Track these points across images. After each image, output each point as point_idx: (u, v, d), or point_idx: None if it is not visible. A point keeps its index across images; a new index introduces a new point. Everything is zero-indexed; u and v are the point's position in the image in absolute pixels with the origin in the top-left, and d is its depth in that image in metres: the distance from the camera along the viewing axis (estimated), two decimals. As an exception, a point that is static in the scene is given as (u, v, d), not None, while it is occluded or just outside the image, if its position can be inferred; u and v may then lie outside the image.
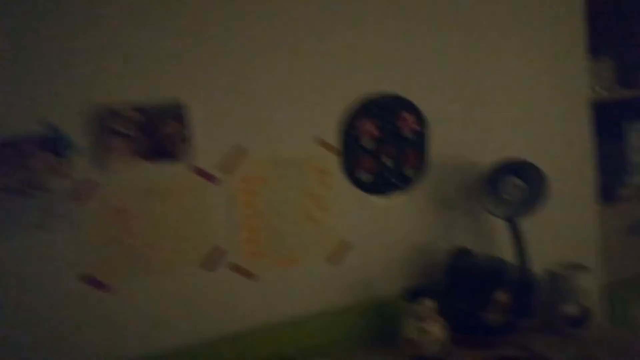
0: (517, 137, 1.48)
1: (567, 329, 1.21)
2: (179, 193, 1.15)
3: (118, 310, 1.11)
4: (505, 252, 1.40)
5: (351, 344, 1.27)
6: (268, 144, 1.22)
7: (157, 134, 1.12)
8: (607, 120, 1.66)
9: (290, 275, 1.25)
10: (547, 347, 1.13)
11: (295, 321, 1.24)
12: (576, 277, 1.22)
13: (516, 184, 1.31)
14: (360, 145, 1.30)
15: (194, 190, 1.16)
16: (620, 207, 1.67)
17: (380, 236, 1.33)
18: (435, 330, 1.17)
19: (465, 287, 1.25)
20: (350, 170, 1.29)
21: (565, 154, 1.54)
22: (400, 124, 1.33)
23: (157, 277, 1.14)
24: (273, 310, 1.23)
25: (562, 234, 1.53)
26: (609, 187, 1.67)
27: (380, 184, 1.32)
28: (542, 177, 1.31)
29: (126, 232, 1.12)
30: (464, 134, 1.41)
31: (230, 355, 1.17)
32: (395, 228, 1.35)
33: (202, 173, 1.16)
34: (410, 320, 1.19)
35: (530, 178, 1.32)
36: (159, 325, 1.14)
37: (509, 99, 1.47)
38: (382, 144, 1.32)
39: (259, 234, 1.22)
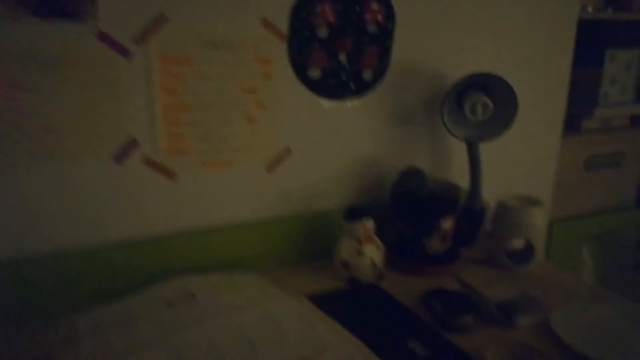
0: (493, 52, 1.30)
1: (509, 263, 1.13)
2: (80, 64, 0.91)
3: (4, 201, 0.92)
4: (459, 177, 1.29)
5: (283, 258, 1.15)
6: (198, 18, 0.98)
7: (52, -17, 0.86)
8: (589, 44, 1.52)
9: (219, 179, 1.08)
10: (484, 282, 1.06)
11: (221, 229, 1.10)
12: (527, 212, 1.13)
13: (483, 102, 1.16)
14: (313, 33, 1.08)
15: (100, 62, 0.92)
16: (580, 140, 1.58)
17: (325, 144, 1.16)
18: (372, 253, 1.07)
19: (410, 211, 1.14)
20: (299, 63, 1.09)
21: (541, 77, 1.40)
22: (363, 12, 1.12)
23: (55, 165, 0.94)
24: (196, 215, 1.08)
25: (520, 165, 1.44)
26: (573, 118, 1.56)
27: (331, 83, 1.13)
28: (512, 98, 1.16)
29: (12, 108, 0.90)
30: (434, 38, 1.22)
31: (144, 261, 1.03)
32: (343, 137, 1.18)
33: (110, 42, 0.92)
34: (347, 241, 1.08)
35: (500, 98, 1.17)
36: (54, 221, 0.97)
37: (491, 7, 1.27)
38: (339, 33, 1.10)
39: (183, 127, 1.02)
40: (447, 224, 1.13)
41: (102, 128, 0.96)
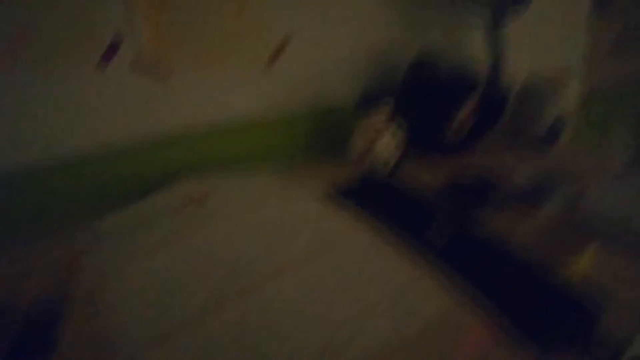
0: None
1: (536, 143, 1.05)
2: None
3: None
4: (480, 56, 1.17)
5: (293, 156, 1.08)
6: None
7: None
8: None
9: (214, 77, 0.99)
10: (508, 165, 0.99)
11: (224, 130, 1.02)
12: (556, 88, 1.03)
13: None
14: None
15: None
16: (613, 13, 1.42)
17: (329, 31, 1.05)
18: (387, 146, 1.00)
19: (427, 97, 1.04)
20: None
21: None
22: None
23: (31, 72, 0.86)
24: (195, 118, 1.00)
25: (549, 37, 1.30)
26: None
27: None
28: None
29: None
30: None
31: (147, 168, 0.98)
32: (348, 21, 1.06)
33: None
34: (361, 133, 1.00)
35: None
36: (45, 131, 0.91)
37: None
38: None
39: (168, 19, 0.92)
40: (466, 110, 1.03)
41: (80, 31, 0.87)
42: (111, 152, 0.96)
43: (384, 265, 0.68)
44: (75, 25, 0.86)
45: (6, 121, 0.87)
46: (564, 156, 1.04)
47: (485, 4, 1.07)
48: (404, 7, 1.10)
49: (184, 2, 0.92)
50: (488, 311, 0.58)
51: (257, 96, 1.04)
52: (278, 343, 0.60)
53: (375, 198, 0.94)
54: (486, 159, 1.03)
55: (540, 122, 1.05)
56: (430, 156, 1.05)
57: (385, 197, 0.94)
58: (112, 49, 0.90)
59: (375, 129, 0.99)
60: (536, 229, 0.76)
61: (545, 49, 1.30)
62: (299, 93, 1.07)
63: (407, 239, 0.75)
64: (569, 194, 0.87)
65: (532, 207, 0.85)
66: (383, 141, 0.99)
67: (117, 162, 0.96)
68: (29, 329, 0.66)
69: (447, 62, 1.09)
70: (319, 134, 1.09)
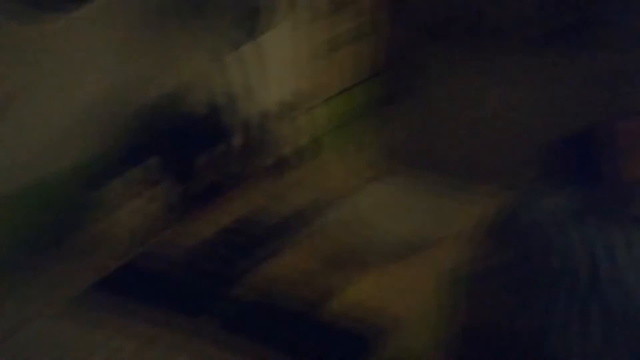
0: None
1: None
2: None
3: None
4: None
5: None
6: None
7: None
8: None
9: None
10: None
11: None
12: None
13: None
14: None
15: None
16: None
17: (56, 83, 0.86)
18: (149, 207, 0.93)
19: (184, 140, 0.99)
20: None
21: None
22: None
23: None
24: None
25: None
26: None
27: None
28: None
29: None
30: None
31: None
32: (78, 67, 0.88)
33: None
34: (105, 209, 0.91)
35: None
36: None
37: None
38: None
39: None
40: (227, 146, 1.01)
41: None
42: None
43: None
44: None
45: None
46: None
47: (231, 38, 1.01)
48: (143, 31, 0.97)
49: None
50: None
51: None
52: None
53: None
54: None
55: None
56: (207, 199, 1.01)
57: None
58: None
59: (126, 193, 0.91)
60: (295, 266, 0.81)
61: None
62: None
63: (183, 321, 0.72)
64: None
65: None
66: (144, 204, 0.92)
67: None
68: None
69: (197, 97, 1.01)
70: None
